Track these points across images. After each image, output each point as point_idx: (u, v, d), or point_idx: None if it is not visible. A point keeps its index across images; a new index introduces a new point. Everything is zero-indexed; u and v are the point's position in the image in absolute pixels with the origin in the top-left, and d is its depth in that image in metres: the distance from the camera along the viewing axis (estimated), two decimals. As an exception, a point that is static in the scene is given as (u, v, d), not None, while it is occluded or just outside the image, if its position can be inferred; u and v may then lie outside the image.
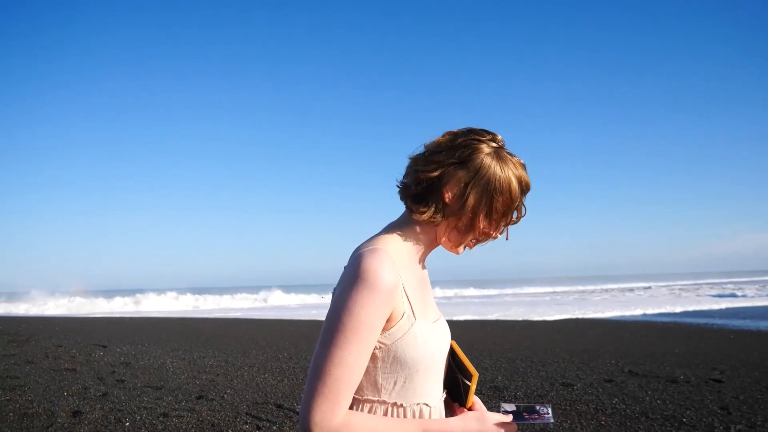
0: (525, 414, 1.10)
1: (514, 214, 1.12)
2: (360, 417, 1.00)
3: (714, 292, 29.91)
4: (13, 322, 15.16)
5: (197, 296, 34.42)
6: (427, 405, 1.07)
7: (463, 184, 1.07)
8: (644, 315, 17.36)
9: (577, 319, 15.97)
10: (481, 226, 1.09)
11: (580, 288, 42.51)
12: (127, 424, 4.43)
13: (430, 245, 1.15)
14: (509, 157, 1.10)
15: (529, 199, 1.14)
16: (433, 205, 1.08)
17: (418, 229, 1.12)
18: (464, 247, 1.13)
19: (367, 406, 1.05)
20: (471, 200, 1.07)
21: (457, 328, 13.25)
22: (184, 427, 4.38)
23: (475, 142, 1.08)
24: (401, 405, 1.05)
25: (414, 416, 1.06)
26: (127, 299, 32.78)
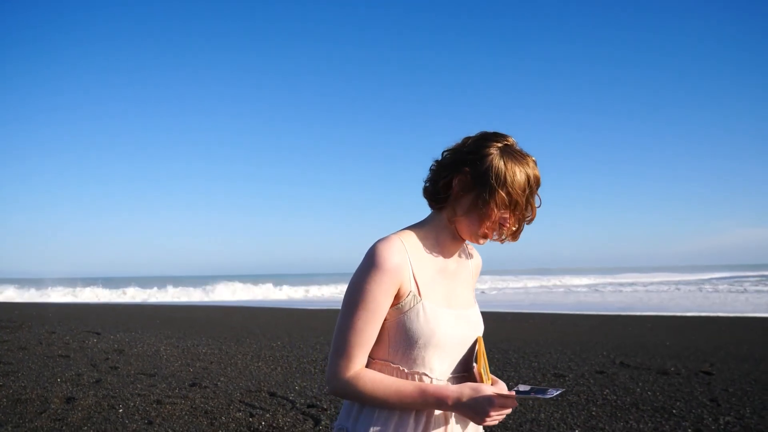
0: (533, 393, 1.14)
1: (525, 207, 1.22)
2: (369, 372, 1.19)
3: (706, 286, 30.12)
4: (6, 308, 15.12)
5: (192, 287, 34.39)
6: (427, 375, 1.21)
7: (471, 179, 1.20)
8: (636, 307, 17.48)
9: (569, 312, 16.07)
10: (492, 217, 1.20)
11: (574, 281, 42.73)
12: (121, 410, 4.44)
13: (454, 238, 1.29)
14: (518, 154, 1.21)
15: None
16: (446, 200, 1.25)
17: (439, 224, 1.28)
18: (483, 238, 1.25)
19: (378, 366, 1.23)
20: (479, 193, 1.19)
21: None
22: (177, 413, 4.40)
23: (484, 142, 1.21)
24: (403, 370, 1.21)
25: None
26: (121, 287, 32.73)
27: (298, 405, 4.70)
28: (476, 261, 1.43)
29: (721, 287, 28.15)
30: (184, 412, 4.44)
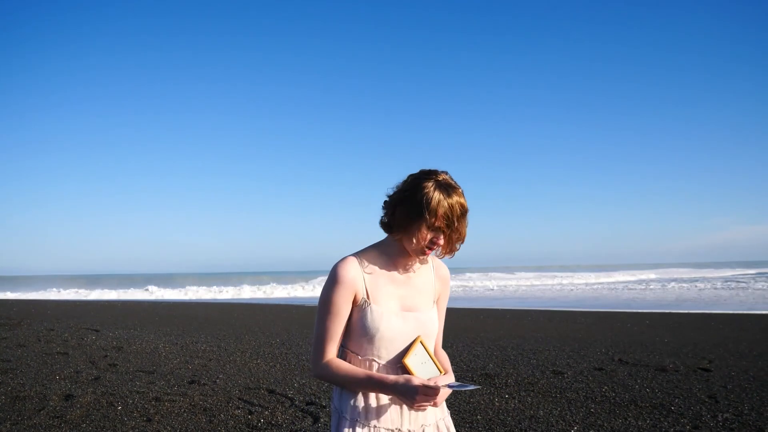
0: (455, 387, 1.48)
1: (452, 229, 1.52)
2: (336, 360, 1.57)
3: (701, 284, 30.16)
4: (5, 305, 15.13)
5: (191, 285, 34.33)
6: (375, 361, 1.56)
7: (409, 208, 1.51)
8: (634, 304, 17.51)
9: (567, 309, 16.10)
10: (425, 237, 1.52)
11: (572, 278, 42.79)
12: (120, 407, 4.44)
13: (403, 254, 1.62)
14: (448, 186, 1.52)
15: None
16: (393, 226, 1.57)
17: (391, 243, 1.62)
18: (422, 254, 1.56)
19: (344, 352, 1.62)
20: (414, 219, 1.50)
21: (449, 315, 13.31)
22: (176, 411, 4.40)
23: (420, 178, 1.53)
24: (357, 356, 1.59)
25: (365, 366, 1.57)
26: (120, 284, 32.69)
27: (296, 402, 4.70)
28: (441, 273, 1.73)
29: (719, 284, 28.20)
30: (182, 410, 4.44)
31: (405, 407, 1.58)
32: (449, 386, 1.50)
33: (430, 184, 1.51)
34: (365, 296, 1.56)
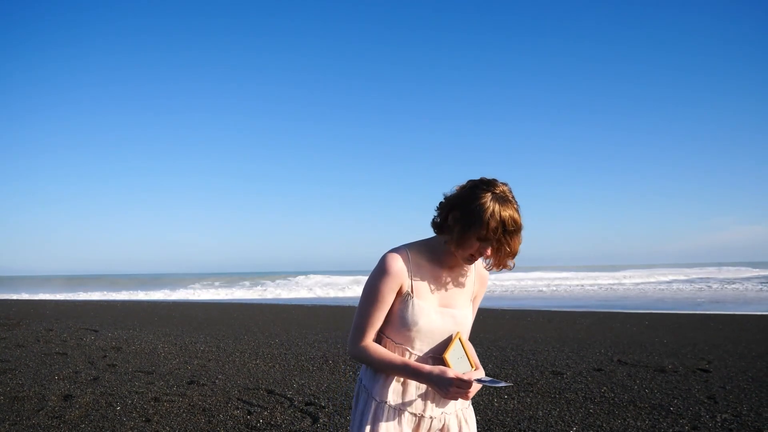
0: (487, 382, 1.52)
1: (500, 243, 1.53)
2: (373, 345, 1.64)
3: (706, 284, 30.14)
4: (4, 305, 15.11)
5: (190, 285, 34.32)
6: (408, 350, 1.64)
7: (462, 216, 1.53)
8: (634, 305, 17.51)
9: (567, 309, 16.10)
10: (472, 246, 1.54)
11: (572, 278, 42.79)
12: (119, 408, 4.44)
13: (449, 256, 1.65)
14: (504, 200, 1.51)
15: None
16: (443, 229, 1.60)
17: (439, 244, 1.66)
18: (468, 261, 1.60)
19: (380, 337, 1.68)
20: (465, 227, 1.52)
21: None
22: (175, 411, 4.40)
23: (479, 187, 1.53)
24: (392, 342, 1.65)
25: (398, 353, 1.65)
26: (119, 284, 32.67)
27: (296, 402, 4.70)
28: (481, 272, 1.78)
29: (719, 285, 28.21)
30: (182, 410, 4.43)
31: (429, 395, 1.66)
32: (481, 381, 1.55)
33: (487, 194, 1.52)
34: (409, 290, 1.62)
